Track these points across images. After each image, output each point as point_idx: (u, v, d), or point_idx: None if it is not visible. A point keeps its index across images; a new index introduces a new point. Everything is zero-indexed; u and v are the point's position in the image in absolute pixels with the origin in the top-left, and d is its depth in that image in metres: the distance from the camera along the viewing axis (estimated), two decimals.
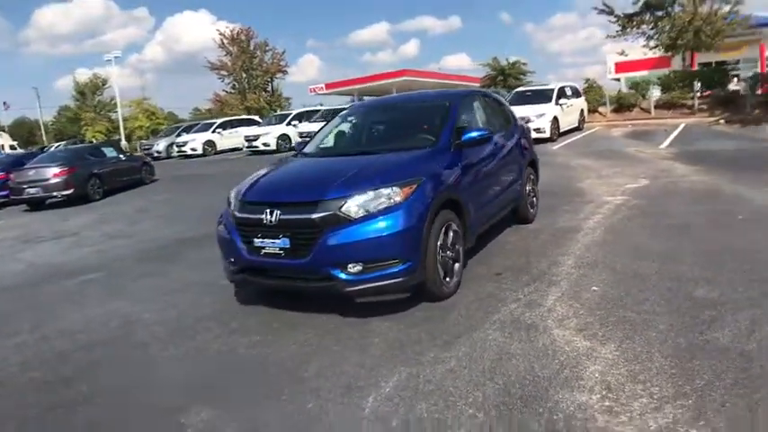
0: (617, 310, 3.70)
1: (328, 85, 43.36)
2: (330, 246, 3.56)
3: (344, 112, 5.66)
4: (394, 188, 3.70)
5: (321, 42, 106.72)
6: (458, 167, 4.39)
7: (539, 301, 3.95)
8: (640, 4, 21.08)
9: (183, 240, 7.43)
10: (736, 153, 11.22)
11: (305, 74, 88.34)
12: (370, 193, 3.66)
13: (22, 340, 4.19)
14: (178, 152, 25.36)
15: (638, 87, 21.42)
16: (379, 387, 2.91)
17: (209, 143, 25.28)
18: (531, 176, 6.46)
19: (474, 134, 4.57)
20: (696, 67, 23.51)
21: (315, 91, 42.88)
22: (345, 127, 5.53)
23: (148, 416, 2.84)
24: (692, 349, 3.06)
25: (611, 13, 21.78)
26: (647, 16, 21.20)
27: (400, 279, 3.66)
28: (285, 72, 38.71)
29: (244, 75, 36.64)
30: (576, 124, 17.78)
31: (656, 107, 19.95)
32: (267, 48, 37.51)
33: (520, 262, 4.93)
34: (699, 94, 19.53)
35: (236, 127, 26.32)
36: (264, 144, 22.32)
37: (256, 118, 28.86)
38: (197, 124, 28.43)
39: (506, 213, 5.79)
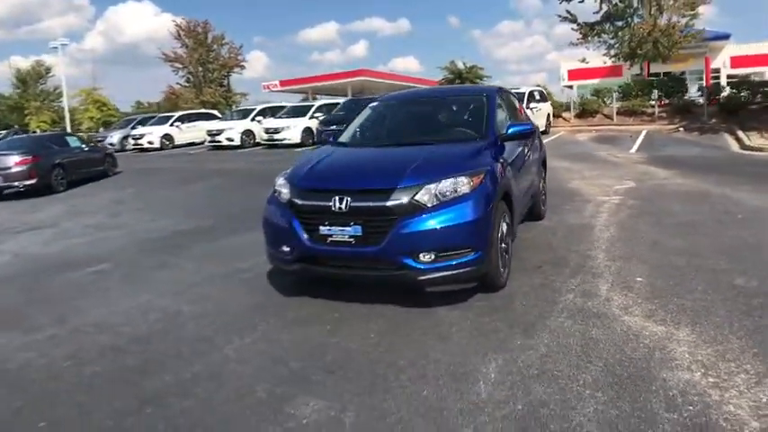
0: (672, 298, 3.86)
1: (283, 83, 42.92)
2: (404, 234, 3.52)
3: (374, 104, 5.60)
4: (465, 178, 3.71)
5: (269, 39, 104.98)
6: (505, 161, 4.46)
7: (593, 292, 4.07)
8: (602, 14, 22.09)
9: (180, 233, 7.12)
10: (705, 159, 11.95)
11: (253, 70, 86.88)
12: (444, 182, 3.66)
13: (51, 334, 3.89)
14: (134, 145, 24.22)
15: (600, 94, 22.42)
16: (482, 373, 2.91)
17: (167, 137, 24.29)
18: (543, 174, 6.64)
19: (519, 128, 4.65)
20: (647, 78, 24.86)
21: (269, 88, 42.32)
22: (380, 118, 5.47)
23: (254, 408, 2.70)
24: (761, 331, 3.25)
25: (574, 21, 22.70)
26: (608, 26, 22.23)
27: (470, 269, 3.67)
28: (243, 67, 37.82)
29: (200, 68, 35.48)
30: (544, 128, 18.39)
31: (617, 114, 20.94)
32: (224, 41, 36.54)
33: (552, 256, 5.05)
34: (658, 103, 20.67)
35: (194, 121, 25.44)
36: (228, 139, 21.71)
37: (215, 112, 28.03)
38: (153, 117, 27.28)
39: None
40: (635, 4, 21.78)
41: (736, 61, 29.24)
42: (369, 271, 3.75)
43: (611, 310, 3.70)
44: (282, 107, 23.79)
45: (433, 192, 3.62)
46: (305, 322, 3.77)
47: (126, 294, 4.69)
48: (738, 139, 14.47)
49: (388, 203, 3.58)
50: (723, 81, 26.14)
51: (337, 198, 3.65)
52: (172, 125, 24.62)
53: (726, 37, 27.55)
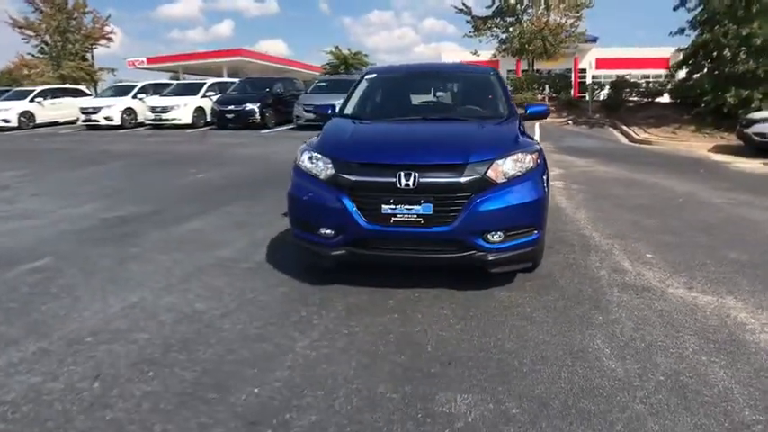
0: (693, 271, 4.16)
1: (151, 60, 40.13)
2: (477, 213, 3.34)
3: (370, 76, 5.24)
4: (528, 155, 3.61)
5: (124, 13, 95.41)
6: None
7: (620, 268, 4.25)
8: (493, 8, 23.34)
9: (118, 221, 6.09)
10: (606, 150, 13.16)
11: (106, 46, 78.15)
12: (510, 159, 3.52)
13: (37, 349, 3.08)
14: None
15: None
16: (598, 349, 2.87)
17: (27, 114, 20.92)
18: None
19: (538, 109, 4.67)
20: (520, 75, 26.81)
21: (134, 65, 39.05)
22: (387, 92, 5.14)
23: (400, 412, 2.35)
24: None
25: (468, 13, 23.72)
26: (499, 21, 23.54)
27: (530, 249, 3.61)
28: (110, 39, 33.86)
29: (59, 38, 31.08)
30: None
31: None
32: (87, 9, 32.33)
33: (552, 236, 5.12)
34: (547, 98, 22.37)
35: (59, 97, 22.27)
36: (107, 118, 19.31)
37: (83, 88, 24.85)
38: (7, 90, 23.42)
39: None
40: (525, 2, 23.29)
41: (601, 63, 32.74)
42: (434, 253, 3.49)
43: (653, 284, 3.88)
44: (167, 84, 21.81)
45: (500, 168, 3.47)
46: (363, 311, 3.42)
47: (106, 294, 3.89)
48: (625, 134, 16.18)
49: (463, 180, 3.36)
50: (588, 80, 29.09)
51: (403, 174, 3.34)
52: (32, 101, 21.31)
53: (594, 40, 30.63)
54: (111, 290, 3.96)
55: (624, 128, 16.79)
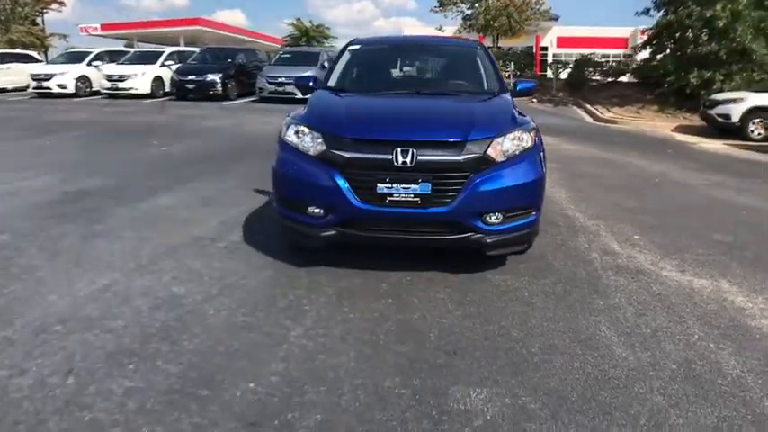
0: (682, 254, 4.16)
1: (105, 26, 38.54)
2: (477, 193, 3.18)
3: (354, 47, 4.94)
4: (525, 133, 3.46)
5: None
6: None
7: (610, 250, 4.21)
8: None
9: (81, 195, 5.65)
10: (573, 129, 13.25)
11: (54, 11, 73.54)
12: (508, 136, 3.36)
13: (5, 337, 2.77)
14: None
15: None
16: (605, 336, 2.80)
17: None
18: None
19: (527, 85, 4.53)
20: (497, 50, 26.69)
21: (87, 31, 37.20)
22: (374, 64, 4.86)
23: (412, 411, 2.19)
24: None
25: None
26: None
27: (528, 231, 3.49)
28: (62, 3, 31.79)
29: (8, 1, 28.95)
30: None
31: None
32: None
33: None
34: (512, 75, 22.37)
35: (7, 62, 20.83)
36: (60, 86, 18.13)
37: (34, 54, 23.27)
38: None
39: None
40: None
41: (562, 42, 32.98)
42: (430, 235, 3.32)
43: (646, 266, 3.84)
44: (124, 52, 20.65)
45: (499, 147, 3.31)
46: (355, 296, 3.23)
47: (72, 276, 3.56)
48: (589, 112, 16.38)
49: (462, 158, 3.18)
50: (549, 58, 29.27)
51: (400, 151, 3.13)
52: None
53: (556, 18, 30.75)
54: (77, 272, 3.63)
55: (588, 107, 16.98)
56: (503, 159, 3.30)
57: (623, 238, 4.51)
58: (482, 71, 4.59)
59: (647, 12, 17.02)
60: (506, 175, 3.27)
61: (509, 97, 4.12)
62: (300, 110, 3.88)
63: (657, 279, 3.61)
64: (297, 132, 3.50)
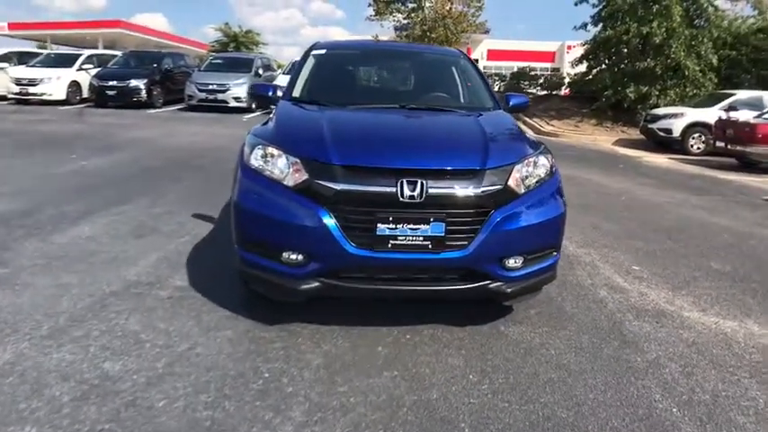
0: (692, 289, 3.85)
1: (13, 26, 35.52)
2: (499, 233, 2.61)
3: (319, 52, 4.24)
4: (544, 158, 2.94)
5: None
6: None
7: (616, 285, 3.82)
8: None
9: None
10: None
11: None
12: (527, 162, 2.82)
13: None
14: None
15: None
16: (664, 410, 2.29)
17: None
18: None
19: (520, 101, 4.04)
20: None
21: None
22: (346, 73, 4.19)
23: None
24: None
25: None
26: (401, 5, 23.09)
27: (548, 275, 2.97)
28: None
29: None
30: None
31: None
32: None
33: None
34: None
35: None
36: None
37: None
38: None
39: None
40: None
41: (492, 54, 33.66)
42: (439, 284, 2.70)
43: (663, 306, 3.46)
44: (36, 54, 18.65)
45: (518, 176, 2.76)
46: (349, 368, 2.54)
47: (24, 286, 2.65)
48: (529, 125, 16.47)
49: (481, 190, 2.60)
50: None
51: (406, 182, 2.51)
52: None
53: (487, 31, 31.31)
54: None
55: (527, 119, 17.11)
56: (524, 191, 2.75)
57: (623, 269, 4.12)
58: (471, 83, 4.07)
59: (584, 26, 17.45)
60: (529, 211, 2.73)
61: (508, 114, 3.61)
62: (266, 124, 3.16)
63: (683, 323, 3.20)
64: (265, 156, 2.78)
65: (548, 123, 16.37)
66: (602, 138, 14.71)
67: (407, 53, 4.53)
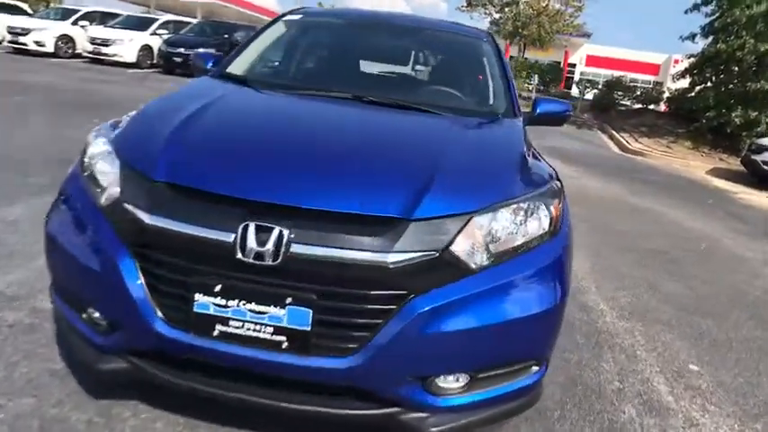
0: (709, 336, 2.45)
1: None
2: (422, 335, 1.51)
3: (292, 17, 3.24)
4: (540, 202, 1.76)
5: None
6: None
7: (656, 401, 2.55)
8: None
9: None
10: (595, 158, 11.56)
11: None
12: (507, 212, 1.67)
13: None
14: None
15: None
16: None
17: None
18: None
19: (556, 108, 2.81)
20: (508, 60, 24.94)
21: None
22: (313, 44, 3.20)
23: None
24: None
25: None
26: None
27: (520, 401, 1.78)
28: None
29: None
30: None
31: None
32: None
33: None
34: (535, 89, 20.63)
35: None
36: (38, 43, 16.54)
37: (24, 6, 21.68)
38: None
39: None
40: None
41: (591, 60, 31.17)
42: (315, 405, 1.60)
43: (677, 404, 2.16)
44: (117, 15, 18.98)
45: (481, 234, 1.62)
46: None
47: None
48: (615, 140, 14.64)
49: (396, 258, 1.50)
50: (577, 76, 27.52)
51: (254, 228, 1.47)
52: None
53: (588, 35, 28.94)
54: None
55: (614, 133, 15.25)
56: (485, 263, 1.60)
57: (674, 368, 2.84)
58: (483, 76, 2.90)
59: (692, 37, 15.21)
60: (490, 299, 1.59)
61: (520, 125, 2.43)
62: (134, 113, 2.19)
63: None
64: (93, 156, 1.82)
65: (636, 140, 14.42)
66: (695, 163, 12.69)
67: (411, 29, 3.28)
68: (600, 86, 19.09)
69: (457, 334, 1.53)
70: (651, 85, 20.06)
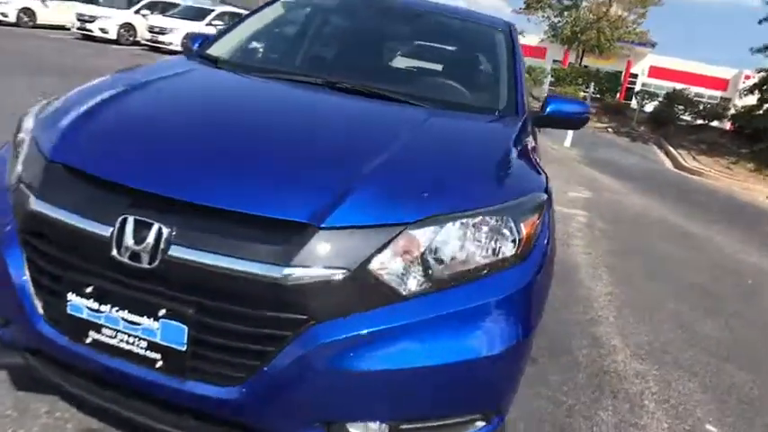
0: None
1: None
2: (325, 370, 1.25)
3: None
4: (508, 219, 1.43)
5: None
6: None
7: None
8: None
9: None
10: (647, 174, 10.87)
11: None
12: (451, 228, 1.36)
13: None
14: None
15: (532, 74, 21.00)
16: None
17: (27, 11, 18.78)
18: None
19: (567, 108, 2.45)
20: (566, 67, 24.00)
21: None
22: (306, 24, 2.97)
23: None
24: None
25: None
26: (555, 2, 20.81)
27: None
28: None
29: None
30: None
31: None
32: None
33: (540, 336, 3.04)
34: (590, 97, 19.76)
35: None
36: (102, 30, 17.20)
37: None
38: None
39: None
40: None
41: (654, 71, 29.65)
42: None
43: None
44: (177, 5, 19.51)
45: (417, 251, 1.32)
46: None
47: None
48: (671, 156, 13.74)
49: (295, 272, 1.22)
50: (638, 87, 26.19)
51: (133, 222, 1.25)
52: None
53: (652, 45, 27.51)
54: None
55: (671, 149, 14.30)
56: (419, 288, 1.31)
57: (686, 425, 2.46)
58: (487, 69, 2.61)
59: (765, 50, 14.07)
60: (420, 336, 1.29)
61: (517, 124, 2.07)
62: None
63: None
64: (21, 132, 1.66)
65: (693, 158, 13.46)
66: (756, 188, 11.68)
67: (415, 13, 2.91)
68: (660, 99, 18.00)
69: (374, 374, 1.25)
70: (717, 101, 18.80)
